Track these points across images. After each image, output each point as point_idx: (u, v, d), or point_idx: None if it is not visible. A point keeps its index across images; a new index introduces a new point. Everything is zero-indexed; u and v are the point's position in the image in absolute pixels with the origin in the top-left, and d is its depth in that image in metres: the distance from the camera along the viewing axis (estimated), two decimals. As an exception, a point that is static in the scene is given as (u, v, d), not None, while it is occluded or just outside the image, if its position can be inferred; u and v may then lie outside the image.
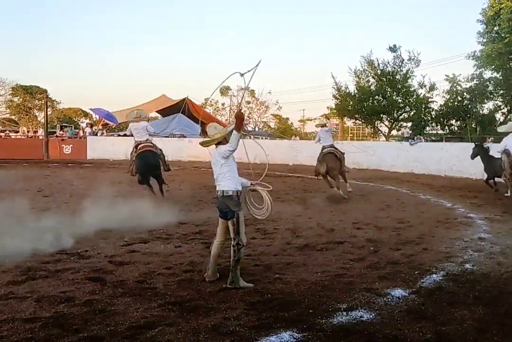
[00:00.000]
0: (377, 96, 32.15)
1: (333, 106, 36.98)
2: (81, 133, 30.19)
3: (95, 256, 6.01)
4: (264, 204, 5.29)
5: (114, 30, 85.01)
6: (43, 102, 35.94)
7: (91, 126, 31.36)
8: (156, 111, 36.47)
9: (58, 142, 26.72)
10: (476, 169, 17.55)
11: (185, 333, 3.70)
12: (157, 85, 73.04)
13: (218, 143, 5.12)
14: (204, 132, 32.07)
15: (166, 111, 32.98)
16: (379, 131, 35.63)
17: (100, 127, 31.21)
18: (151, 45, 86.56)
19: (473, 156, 14.11)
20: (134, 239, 6.96)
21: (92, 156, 26.14)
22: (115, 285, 4.87)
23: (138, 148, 11.19)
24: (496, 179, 13.63)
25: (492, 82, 28.02)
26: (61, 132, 30.44)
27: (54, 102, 50.34)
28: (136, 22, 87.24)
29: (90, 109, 34.14)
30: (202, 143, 5.36)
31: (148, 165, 10.86)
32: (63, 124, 36.82)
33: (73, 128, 33.35)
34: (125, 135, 28.99)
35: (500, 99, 28.69)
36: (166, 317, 4.02)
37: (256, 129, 52.10)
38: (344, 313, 4.19)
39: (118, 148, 26.55)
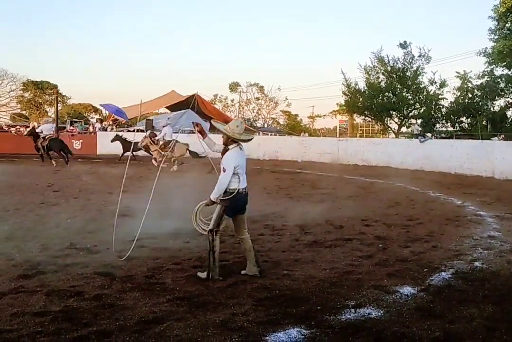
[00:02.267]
0: (387, 93, 32.01)
1: (343, 103, 36.85)
2: (91, 128, 30.32)
3: (104, 251, 6.04)
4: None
5: (125, 27, 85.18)
6: (53, 97, 36.18)
7: (101, 122, 31.51)
8: (166, 107, 36.57)
9: (68, 138, 26.83)
10: (486, 167, 17.49)
11: (194, 328, 3.71)
12: (167, 81, 73.30)
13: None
14: (214, 128, 32.14)
15: (175, 107, 33.04)
16: (389, 128, 35.47)
17: (110, 122, 31.33)
18: (161, 41, 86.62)
19: None
20: (143, 234, 6.97)
21: (101, 151, 26.26)
22: (124, 280, 4.89)
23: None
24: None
25: (503, 79, 27.76)
26: (71, 127, 30.58)
27: (65, 97, 50.66)
28: (146, 18, 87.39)
29: (100, 105, 34.26)
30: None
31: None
32: (73, 119, 37.01)
33: (83, 123, 33.50)
34: (134, 130, 29.13)
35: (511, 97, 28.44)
36: (174, 312, 4.04)
37: (265, 125, 52.05)
38: (352, 310, 4.18)
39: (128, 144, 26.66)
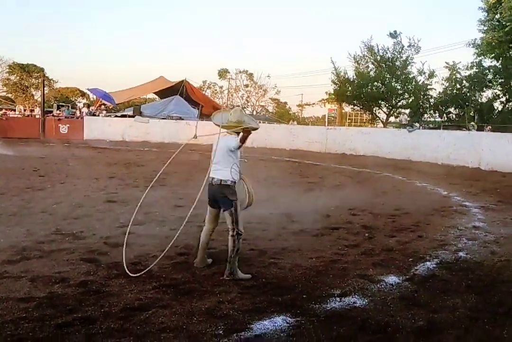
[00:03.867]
0: (376, 83, 31.98)
1: (332, 92, 36.78)
2: (78, 113, 30.01)
3: (90, 237, 6.01)
4: (246, 194, 5.07)
5: (113, 10, 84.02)
6: (40, 81, 35.68)
7: (88, 107, 31.18)
8: (154, 93, 36.24)
9: (55, 122, 26.57)
10: (473, 158, 17.62)
11: (179, 316, 3.71)
12: (155, 67, 72.60)
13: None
14: (202, 115, 31.97)
15: (163, 93, 32.74)
16: (377, 118, 35.53)
17: (103, 107, 30.99)
18: (149, 26, 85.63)
19: None
20: (129, 220, 6.94)
21: (88, 136, 26.04)
22: (109, 266, 4.87)
23: None
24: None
25: (491, 70, 27.84)
26: (58, 111, 30.21)
27: (51, 81, 49.88)
28: (134, 3, 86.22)
29: (88, 89, 33.94)
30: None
31: None
32: (60, 103, 36.54)
33: (70, 108, 33.09)
34: (122, 116, 28.91)
35: (499, 88, 28.55)
36: (160, 300, 4.03)
37: (254, 113, 51.89)
38: (338, 298, 4.21)
39: (115, 129, 26.51)
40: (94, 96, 35.02)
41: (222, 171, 4.83)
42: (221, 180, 4.81)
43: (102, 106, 30.94)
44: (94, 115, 28.95)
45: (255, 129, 4.97)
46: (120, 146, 22.98)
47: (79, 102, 43.99)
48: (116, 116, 29.39)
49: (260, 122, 33.89)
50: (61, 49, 78.99)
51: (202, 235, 5.07)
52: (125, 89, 34.07)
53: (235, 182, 4.85)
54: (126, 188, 10.10)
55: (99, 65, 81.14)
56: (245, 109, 51.84)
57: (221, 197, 4.82)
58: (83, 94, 51.35)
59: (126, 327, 3.50)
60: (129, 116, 28.24)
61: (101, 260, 5.06)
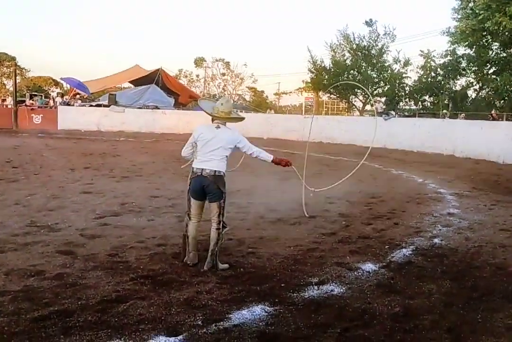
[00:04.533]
0: (352, 71, 32.08)
1: (309, 80, 36.80)
2: (51, 103, 29.46)
3: (66, 229, 5.91)
4: None
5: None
6: (11, 70, 34.88)
7: (62, 96, 30.63)
8: (129, 82, 35.76)
9: (27, 112, 26.06)
10: (447, 145, 17.88)
11: (157, 307, 3.69)
12: (130, 55, 71.58)
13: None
14: (179, 104, 31.68)
15: (139, 82, 32.33)
16: (354, 106, 35.72)
17: (77, 96, 30.46)
18: (124, 13, 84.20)
19: None
20: (106, 212, 6.89)
21: (62, 126, 25.61)
22: (86, 258, 4.81)
23: None
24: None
25: (465, 58, 28.17)
26: (31, 101, 29.60)
27: (23, 70, 48.79)
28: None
29: (61, 78, 33.29)
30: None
31: None
32: (33, 93, 35.76)
33: (43, 97, 32.45)
34: (97, 105, 28.49)
35: (473, 76, 28.89)
36: (138, 291, 4.00)
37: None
38: (316, 287, 4.24)
39: (90, 119, 26.13)
40: (68, 86, 34.42)
41: (215, 161, 4.65)
42: (215, 171, 4.63)
43: (77, 96, 30.43)
44: (68, 105, 28.46)
45: (242, 119, 4.97)
46: (95, 136, 22.68)
47: (53, 91, 43.05)
48: (91, 105, 28.95)
49: (237, 111, 33.83)
50: (33, 38, 77.28)
51: (190, 230, 4.80)
52: (99, 78, 33.56)
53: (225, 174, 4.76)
54: (102, 178, 9.99)
55: (72, 54, 79.63)
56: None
57: (215, 188, 4.64)
58: (56, 84, 50.29)
59: (103, 320, 3.47)
60: (104, 105, 27.85)
61: (77, 252, 5.00)
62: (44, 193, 8.16)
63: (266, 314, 3.66)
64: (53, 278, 4.24)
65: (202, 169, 4.63)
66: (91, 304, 3.71)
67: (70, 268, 4.53)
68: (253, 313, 3.66)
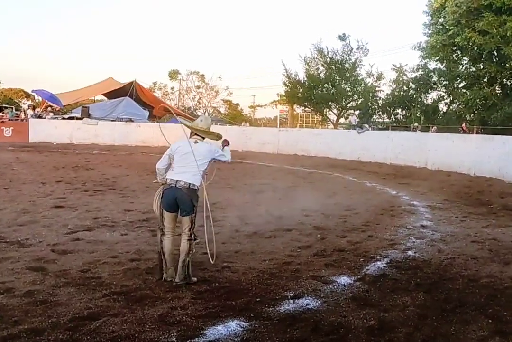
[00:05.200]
0: (326, 84, 32.53)
1: (283, 93, 37.11)
2: (22, 115, 28.98)
3: (37, 245, 5.77)
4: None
5: (59, 9, 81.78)
6: (-19, 82, 34.27)
7: (34, 108, 30.17)
8: (103, 94, 35.50)
9: (-3, 124, 25.59)
10: (420, 158, 18.16)
11: (131, 324, 3.62)
12: (103, 68, 71.13)
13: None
14: (152, 117, 31.51)
15: (112, 94, 32.12)
16: (328, 119, 36.11)
17: (49, 109, 30.02)
18: (97, 27, 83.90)
19: None
20: (78, 226, 6.76)
21: (34, 139, 25.21)
22: (57, 274, 4.70)
23: None
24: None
25: (436, 73, 28.82)
26: (1, 114, 29.07)
27: (-7, 81, 48.07)
28: (80, 2, 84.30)
29: (33, 91, 32.81)
30: (213, 136, 5.00)
31: None
32: (3, 105, 35.12)
33: (14, 110, 31.90)
34: (70, 118, 28.15)
35: (444, 90, 29.59)
36: (111, 308, 3.92)
37: (206, 114, 51.64)
38: (291, 301, 4.22)
39: (62, 132, 25.79)
40: (40, 98, 33.93)
41: (190, 174, 4.67)
42: (189, 184, 4.63)
43: (49, 108, 30.01)
44: (40, 117, 28.04)
45: (220, 137, 5.08)
46: (68, 149, 22.37)
47: (24, 103, 42.42)
48: (63, 118, 28.58)
49: (212, 124, 33.82)
50: (4, 49, 76.22)
51: (166, 245, 4.68)
52: (72, 90, 33.23)
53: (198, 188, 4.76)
54: (75, 192, 9.82)
55: (44, 66, 78.83)
56: (196, 110, 51.57)
57: (188, 201, 4.63)
58: (28, 96, 49.60)
59: (75, 338, 3.38)
60: (77, 118, 27.53)
61: (48, 268, 4.88)
62: (14, 207, 7.98)
63: (242, 329, 3.62)
64: (23, 295, 4.12)
65: (177, 181, 4.62)
66: (62, 322, 3.62)
67: (40, 284, 4.42)
68: (228, 328, 3.62)
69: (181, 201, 4.64)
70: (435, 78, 29.14)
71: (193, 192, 4.67)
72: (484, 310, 4.16)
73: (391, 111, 31.59)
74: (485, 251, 6.23)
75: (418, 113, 29.95)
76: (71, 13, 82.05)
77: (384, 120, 32.33)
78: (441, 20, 25.40)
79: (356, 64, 32.16)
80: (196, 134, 4.90)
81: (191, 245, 4.70)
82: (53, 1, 79.57)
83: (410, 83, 30.38)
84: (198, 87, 54.06)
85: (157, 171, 4.92)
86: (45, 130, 25.73)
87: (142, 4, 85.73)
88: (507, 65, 24.29)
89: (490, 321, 3.93)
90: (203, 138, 4.93)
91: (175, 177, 4.66)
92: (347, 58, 32.20)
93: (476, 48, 24.08)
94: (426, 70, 29.20)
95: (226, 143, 5.25)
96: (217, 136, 5.07)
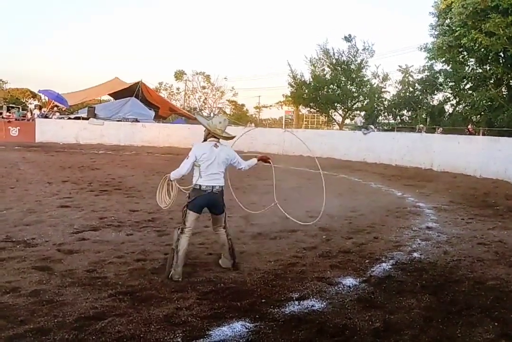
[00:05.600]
0: (331, 85, 32.49)
1: (289, 94, 37.11)
2: (29, 115, 29.11)
3: (43, 244, 5.80)
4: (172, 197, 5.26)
5: (66, 9, 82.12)
6: (-12, 81, 34.44)
7: (40, 108, 30.31)
8: (109, 94, 35.61)
9: (4, 124, 25.73)
10: (425, 159, 18.11)
11: (136, 324, 3.63)
12: (110, 68, 71.31)
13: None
14: (159, 117, 31.61)
15: (118, 95, 32.21)
16: (333, 120, 36.06)
17: (55, 109, 30.14)
18: (105, 25, 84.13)
19: None
20: (84, 226, 6.78)
21: (40, 139, 25.34)
22: (63, 274, 4.72)
23: None
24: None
25: (442, 74, 28.72)
26: (8, 113, 29.21)
27: (1, 82, 48.32)
28: (88, 2, 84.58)
29: (39, 91, 32.94)
30: (225, 137, 5.09)
31: None
32: (10, 105, 35.29)
33: (20, 109, 32.05)
34: (76, 118, 28.25)
35: (450, 91, 29.47)
36: (116, 308, 3.93)
37: (212, 115, 51.69)
38: (296, 302, 4.22)
39: (69, 132, 25.90)
40: (46, 98, 34.07)
41: (221, 178, 5.00)
42: (222, 186, 4.99)
43: (55, 108, 30.14)
44: (46, 117, 28.15)
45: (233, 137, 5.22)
46: (74, 149, 22.45)
47: (31, 103, 42.61)
48: (69, 118, 28.69)
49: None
50: (11, 49, 76.60)
51: (183, 243, 4.82)
52: (78, 90, 33.34)
53: None
54: (81, 192, 9.86)
55: (51, 66, 79.14)
56: (202, 111, 51.65)
57: (221, 202, 5.04)
58: (34, 96, 49.85)
59: (81, 338, 3.40)
60: (83, 118, 27.63)
61: (54, 268, 4.90)
62: (20, 207, 8.01)
63: (247, 330, 3.62)
64: (29, 295, 4.14)
65: (213, 186, 4.91)
66: (68, 322, 3.63)
67: (46, 284, 4.43)
68: (234, 329, 3.62)
69: (216, 203, 5.01)
70: (441, 80, 29.03)
71: (223, 193, 5.07)
72: (490, 313, 4.14)
73: (396, 112, 31.50)
74: (491, 253, 6.20)
75: (424, 115, 29.86)
76: (78, 13, 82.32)
77: (390, 121, 32.25)
78: (447, 21, 25.30)
79: (362, 65, 32.11)
80: (213, 136, 4.99)
81: (230, 239, 5.17)
82: (60, 1, 79.80)
83: (416, 84, 30.29)
84: (204, 87, 54.22)
85: (176, 175, 5.07)
86: (51, 130, 25.86)
87: (149, 5, 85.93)
88: (514, 66, 24.18)
89: (496, 323, 3.92)
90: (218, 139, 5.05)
91: (210, 183, 4.91)
92: (353, 59, 32.15)
93: (482, 49, 23.97)
94: (432, 71, 29.10)
95: (263, 159, 5.47)
96: (232, 138, 5.19)
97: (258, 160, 5.42)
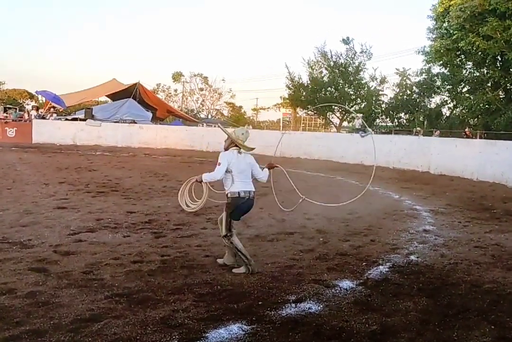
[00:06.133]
0: (329, 88, 32.59)
1: (286, 96, 37.17)
2: (26, 116, 29.07)
3: (39, 245, 5.77)
4: (202, 198, 5.36)
5: (63, 10, 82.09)
6: (-15, 82, 34.38)
7: (37, 109, 30.26)
8: (106, 96, 35.60)
9: (1, 125, 25.66)
10: (422, 162, 18.14)
11: (132, 326, 3.62)
12: (107, 69, 71.28)
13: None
14: (156, 119, 31.60)
15: (116, 96, 32.20)
16: (331, 123, 36.12)
17: (52, 110, 30.10)
18: (102, 28, 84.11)
19: None
20: (81, 227, 6.76)
21: (37, 140, 25.27)
22: (59, 276, 4.70)
23: None
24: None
25: (439, 77, 28.82)
26: (5, 114, 29.16)
27: (-3, 82, 48.25)
28: (86, 3, 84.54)
29: (36, 92, 32.90)
30: (246, 148, 5.27)
31: None
32: (7, 106, 35.23)
33: (17, 110, 31.99)
34: (73, 119, 28.20)
35: (447, 94, 29.58)
36: (113, 310, 3.92)
37: (209, 116, 51.73)
38: (293, 304, 4.21)
39: (66, 133, 25.85)
40: (44, 99, 34.03)
41: (252, 184, 5.26)
42: (254, 192, 5.24)
43: (52, 109, 30.09)
44: (43, 118, 28.11)
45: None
46: (71, 150, 22.41)
47: (28, 104, 42.57)
48: (66, 119, 28.65)
49: (214, 126, 33.84)
50: (7, 50, 76.48)
51: (238, 241, 5.19)
52: (76, 91, 33.32)
53: None
54: (77, 194, 9.83)
55: (48, 67, 79.05)
56: (200, 113, 51.67)
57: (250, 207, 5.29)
58: (31, 97, 49.82)
59: (77, 340, 3.38)
60: (80, 119, 27.60)
61: (51, 269, 4.88)
62: (17, 208, 7.99)
63: (244, 332, 3.61)
64: (25, 296, 4.12)
65: (249, 192, 5.14)
66: (64, 324, 3.62)
67: (42, 286, 4.42)
68: (230, 331, 3.61)
69: (251, 208, 5.31)
70: (438, 83, 29.14)
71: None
72: (486, 316, 4.14)
73: (394, 115, 31.60)
74: (488, 257, 6.21)
75: (421, 118, 29.95)
76: (76, 14, 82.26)
77: (387, 124, 32.33)
78: (445, 24, 25.40)
79: (360, 68, 32.24)
80: (235, 145, 5.18)
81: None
82: (57, 1, 79.76)
83: (414, 87, 30.41)
84: (202, 89, 54.28)
85: (210, 179, 5.14)
86: (48, 131, 25.80)
87: (147, 6, 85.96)
88: (511, 70, 24.27)
89: (492, 327, 3.92)
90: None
91: (246, 188, 5.13)
92: (351, 61, 32.28)
93: (480, 53, 24.07)
94: (430, 74, 29.21)
95: (271, 167, 5.71)
96: (252, 149, 5.36)
97: (269, 169, 5.67)
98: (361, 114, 29.57)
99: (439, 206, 10.21)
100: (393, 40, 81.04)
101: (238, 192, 5.07)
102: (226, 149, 5.23)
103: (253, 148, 5.35)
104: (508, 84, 25.25)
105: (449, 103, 29.89)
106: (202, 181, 5.18)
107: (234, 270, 5.10)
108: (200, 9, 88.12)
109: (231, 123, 40.97)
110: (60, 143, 24.87)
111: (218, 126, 5.42)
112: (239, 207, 5.12)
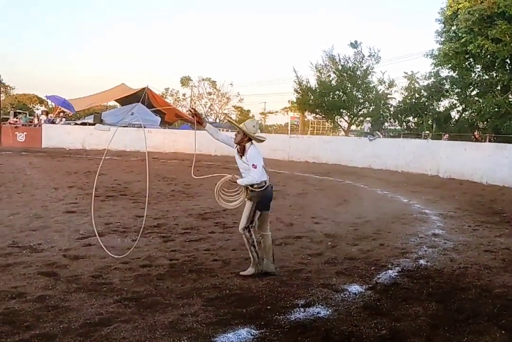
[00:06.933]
0: (337, 92, 32.56)
1: (294, 100, 37.18)
2: (36, 120, 29.27)
3: (49, 250, 5.81)
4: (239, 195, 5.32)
5: (73, 16, 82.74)
6: (-4, 87, 34.70)
7: (47, 114, 30.46)
8: (115, 100, 35.77)
9: (11, 130, 25.87)
10: (431, 166, 18.05)
11: (141, 330, 3.63)
12: (116, 74, 71.68)
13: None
14: (165, 123, 31.64)
15: (125, 101, 32.35)
16: (339, 126, 36.07)
17: (62, 115, 30.29)
18: (110, 31, 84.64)
19: None
20: (90, 232, 6.78)
21: (47, 144, 25.44)
22: (69, 280, 4.73)
23: None
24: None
25: (448, 80, 28.68)
26: (15, 119, 29.38)
27: (8, 87, 48.65)
28: (97, 7, 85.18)
29: (46, 96, 33.13)
30: (258, 140, 5.28)
31: None
32: (17, 110, 35.49)
33: (27, 115, 32.23)
34: (82, 124, 28.37)
35: (456, 98, 29.40)
36: (122, 314, 3.93)
37: (217, 121, 51.81)
38: (302, 309, 4.20)
39: (75, 137, 26.00)
40: (53, 104, 34.26)
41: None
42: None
43: (61, 114, 30.28)
44: (53, 123, 28.29)
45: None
46: (80, 154, 22.54)
47: (37, 109, 42.88)
48: (76, 124, 28.81)
49: (223, 130, 33.89)
50: (18, 55, 77.15)
51: (265, 242, 5.23)
52: (85, 96, 33.52)
53: None
54: (86, 198, 9.86)
55: (58, 72, 79.64)
56: (208, 117, 51.81)
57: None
58: (41, 102, 50.20)
59: (86, 344, 3.40)
60: (90, 124, 27.74)
61: (60, 274, 4.91)
62: (27, 212, 8.04)
63: (252, 337, 3.61)
64: (35, 300, 4.15)
65: (268, 180, 5.16)
66: (74, 328, 3.63)
67: (52, 290, 4.44)
68: (239, 336, 3.61)
69: (272, 197, 5.32)
70: (447, 86, 28.98)
71: None
72: (497, 321, 4.10)
73: (402, 118, 31.46)
74: (498, 261, 6.16)
75: (430, 121, 29.79)
76: (86, 19, 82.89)
77: (396, 127, 32.20)
78: (453, 27, 25.30)
79: (368, 72, 32.17)
80: (249, 138, 5.17)
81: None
82: (66, 6, 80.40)
83: (422, 90, 30.24)
84: (210, 93, 54.43)
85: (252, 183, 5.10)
86: (58, 135, 25.97)
87: (155, 10, 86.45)
88: (520, 73, 24.14)
89: (503, 332, 3.88)
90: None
91: (265, 177, 5.15)
92: (359, 65, 32.24)
93: (489, 56, 23.95)
94: (438, 77, 29.06)
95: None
96: (263, 140, 5.33)
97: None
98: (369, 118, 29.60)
99: (448, 210, 10.15)
100: (401, 44, 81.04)
101: (265, 181, 5.10)
102: (238, 143, 5.19)
103: (264, 140, 5.34)
104: (517, 87, 25.09)
105: (458, 106, 29.71)
106: (235, 181, 5.19)
107: (241, 273, 5.09)
108: (209, 14, 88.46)
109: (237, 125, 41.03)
110: (70, 147, 25.02)
111: (228, 121, 5.35)
112: (264, 197, 5.09)
